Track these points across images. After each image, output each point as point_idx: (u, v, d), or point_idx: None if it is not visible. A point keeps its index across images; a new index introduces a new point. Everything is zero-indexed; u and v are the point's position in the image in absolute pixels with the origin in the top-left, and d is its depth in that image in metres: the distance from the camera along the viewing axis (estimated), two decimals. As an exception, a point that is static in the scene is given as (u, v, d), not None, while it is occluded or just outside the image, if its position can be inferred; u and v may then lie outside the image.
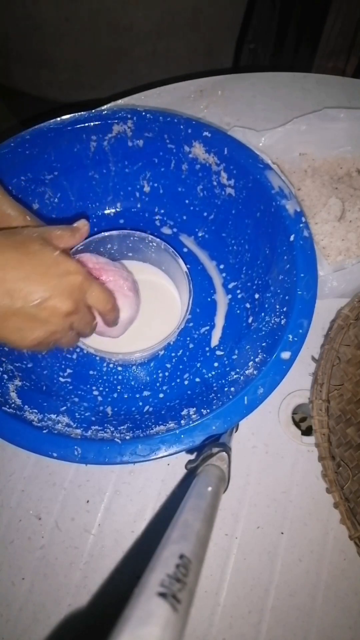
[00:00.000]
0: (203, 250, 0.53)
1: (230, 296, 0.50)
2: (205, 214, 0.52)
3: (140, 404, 0.45)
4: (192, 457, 0.34)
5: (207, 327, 0.49)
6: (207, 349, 0.48)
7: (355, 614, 0.40)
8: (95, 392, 0.46)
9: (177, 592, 0.19)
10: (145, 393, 0.46)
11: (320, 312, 0.49)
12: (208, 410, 0.38)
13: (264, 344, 0.41)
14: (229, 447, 0.33)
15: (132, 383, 0.47)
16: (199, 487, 0.28)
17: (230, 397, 0.38)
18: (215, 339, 0.48)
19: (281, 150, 0.55)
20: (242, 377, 0.41)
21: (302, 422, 0.51)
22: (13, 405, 0.40)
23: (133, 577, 0.41)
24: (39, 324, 0.32)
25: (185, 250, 0.53)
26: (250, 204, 0.47)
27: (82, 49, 0.74)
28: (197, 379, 0.46)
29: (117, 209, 0.55)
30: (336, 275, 0.46)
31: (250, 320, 0.47)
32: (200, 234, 0.53)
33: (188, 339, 0.48)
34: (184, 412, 0.42)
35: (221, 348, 0.48)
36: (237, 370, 0.43)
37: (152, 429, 0.40)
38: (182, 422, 0.39)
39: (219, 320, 0.49)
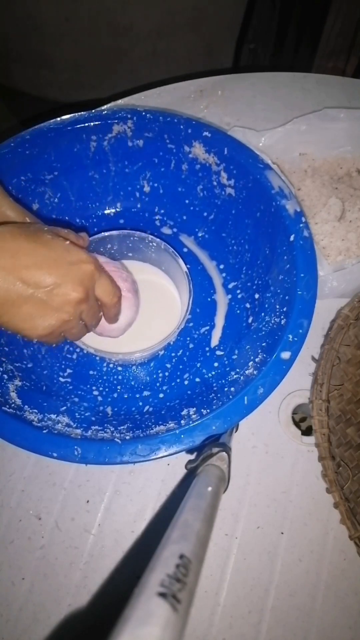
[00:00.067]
0: (203, 250, 0.53)
1: (230, 296, 0.50)
2: (205, 214, 0.52)
3: (140, 404, 0.45)
4: (192, 457, 0.34)
5: (207, 327, 0.49)
6: (207, 349, 0.48)
7: (355, 614, 0.40)
8: (95, 392, 0.46)
9: (177, 592, 0.19)
10: (145, 393, 0.46)
11: (320, 312, 0.49)
12: (208, 410, 0.38)
13: (264, 344, 0.41)
14: (229, 447, 0.33)
15: (132, 383, 0.47)
16: (199, 487, 0.28)
17: (230, 397, 0.38)
18: (215, 339, 0.48)
19: (281, 150, 0.55)
20: (242, 377, 0.41)
21: (302, 422, 0.51)
22: (13, 405, 0.40)
23: (133, 577, 0.41)
24: (51, 311, 0.32)
25: (185, 250, 0.53)
26: (250, 204, 0.47)
27: (82, 49, 0.74)
28: (197, 379, 0.46)
29: (117, 209, 0.55)
30: (336, 275, 0.46)
31: (250, 320, 0.47)
32: (200, 234, 0.53)
33: (188, 339, 0.48)
34: (184, 412, 0.42)
35: (221, 348, 0.48)
36: (237, 370, 0.43)
37: (152, 429, 0.40)
38: (182, 422, 0.39)
39: (219, 320, 0.49)
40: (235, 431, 0.40)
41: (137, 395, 0.46)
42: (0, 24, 0.72)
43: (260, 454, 0.45)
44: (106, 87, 0.78)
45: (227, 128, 0.58)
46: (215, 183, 0.49)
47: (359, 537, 0.40)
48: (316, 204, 0.52)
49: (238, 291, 0.50)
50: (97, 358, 0.47)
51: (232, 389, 0.41)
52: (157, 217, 0.54)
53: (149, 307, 0.47)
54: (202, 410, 0.40)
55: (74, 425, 0.41)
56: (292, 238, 0.42)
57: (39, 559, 0.42)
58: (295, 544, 0.42)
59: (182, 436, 0.36)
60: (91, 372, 0.47)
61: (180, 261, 0.45)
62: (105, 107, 0.58)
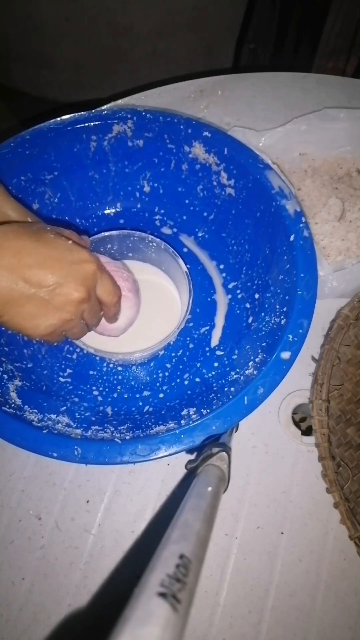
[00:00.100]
0: (203, 250, 0.53)
1: (230, 296, 0.50)
2: (205, 214, 0.52)
3: (140, 404, 0.45)
4: (192, 457, 0.34)
5: (207, 327, 0.49)
6: (207, 349, 0.48)
7: (355, 614, 0.40)
8: (95, 392, 0.46)
9: (177, 592, 0.19)
10: (145, 393, 0.46)
11: (320, 312, 0.49)
12: (208, 410, 0.38)
13: (264, 344, 0.41)
14: (229, 447, 0.33)
15: (132, 383, 0.47)
16: (199, 487, 0.28)
17: (230, 397, 0.38)
18: (215, 339, 0.48)
19: (281, 150, 0.55)
20: (242, 377, 0.41)
21: (302, 422, 0.51)
22: (13, 405, 0.40)
23: (133, 577, 0.41)
24: (53, 310, 0.32)
25: (185, 250, 0.53)
26: (250, 204, 0.47)
27: (82, 49, 0.74)
28: (197, 379, 0.46)
29: (117, 209, 0.55)
30: (336, 275, 0.46)
31: (250, 320, 0.47)
32: (200, 234, 0.53)
33: (188, 339, 0.48)
34: (184, 412, 0.42)
35: (221, 348, 0.48)
36: (237, 370, 0.43)
37: (152, 429, 0.40)
38: (182, 422, 0.39)
39: (219, 320, 0.49)
40: (235, 431, 0.40)
41: (137, 395, 0.46)
42: (0, 24, 0.72)
43: (260, 454, 0.45)
44: (106, 87, 0.78)
45: (227, 128, 0.58)
46: (215, 183, 0.49)
47: (359, 537, 0.40)
48: (316, 204, 0.52)
49: (238, 291, 0.50)
50: (97, 358, 0.48)
51: (232, 389, 0.41)
52: (157, 217, 0.54)
53: (149, 307, 0.47)
54: (202, 410, 0.40)
55: (74, 425, 0.41)
56: (292, 238, 0.42)
57: (39, 559, 0.42)
58: (295, 544, 0.42)
59: (182, 436, 0.36)
60: (91, 372, 0.47)
61: (180, 261, 0.45)
62: (105, 107, 0.58)
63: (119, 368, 0.48)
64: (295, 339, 0.38)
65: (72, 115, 0.47)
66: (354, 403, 0.45)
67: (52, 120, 0.46)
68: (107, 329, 0.42)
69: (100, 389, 0.46)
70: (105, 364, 0.48)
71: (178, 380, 0.46)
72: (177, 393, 0.46)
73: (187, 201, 0.53)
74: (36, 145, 0.46)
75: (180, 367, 0.47)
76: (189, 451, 0.40)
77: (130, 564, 0.42)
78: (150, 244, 0.47)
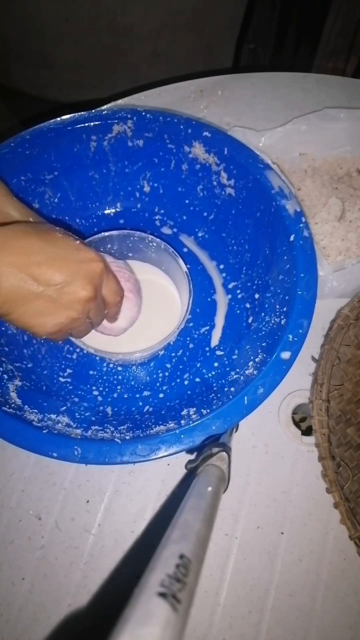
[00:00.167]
0: (203, 250, 0.53)
1: (230, 296, 0.50)
2: (205, 214, 0.52)
3: (140, 404, 0.45)
4: (192, 457, 0.34)
5: (207, 327, 0.49)
6: (207, 349, 0.48)
7: (355, 614, 0.40)
8: (95, 392, 0.46)
9: (177, 592, 0.19)
10: (145, 393, 0.46)
11: (320, 312, 0.49)
12: (208, 410, 0.38)
13: (264, 344, 0.41)
14: (229, 447, 0.33)
15: (132, 383, 0.47)
16: (199, 487, 0.28)
17: (230, 397, 0.38)
18: (215, 339, 0.48)
19: (281, 150, 0.55)
20: (242, 377, 0.41)
21: (302, 422, 0.51)
22: (13, 405, 0.40)
23: (133, 577, 0.41)
24: (61, 309, 0.32)
25: (185, 250, 0.53)
26: (250, 204, 0.47)
27: (82, 49, 0.74)
28: (197, 379, 0.46)
29: (117, 209, 0.55)
30: (336, 275, 0.46)
31: (250, 320, 0.47)
32: (200, 234, 0.53)
33: (188, 339, 0.48)
34: (184, 412, 0.42)
35: (221, 348, 0.48)
36: (237, 370, 0.43)
37: (152, 429, 0.40)
38: (182, 422, 0.39)
39: (219, 320, 0.49)
40: (235, 431, 0.40)
41: (137, 395, 0.46)
42: (0, 24, 0.72)
43: (260, 454, 0.45)
44: (106, 87, 0.78)
45: (227, 128, 0.58)
46: (215, 183, 0.49)
47: (359, 537, 0.40)
48: (316, 204, 0.52)
49: (238, 291, 0.50)
50: (97, 358, 0.48)
51: (232, 389, 0.41)
52: (157, 217, 0.54)
53: (149, 307, 0.47)
54: (202, 410, 0.40)
55: (74, 425, 0.41)
56: (292, 238, 0.42)
57: (39, 559, 0.42)
58: (295, 544, 0.42)
59: (182, 436, 0.36)
60: (91, 372, 0.47)
61: (180, 261, 0.45)
62: (105, 107, 0.58)
63: (119, 368, 0.48)
64: (295, 339, 0.38)
65: (72, 115, 0.47)
66: (354, 403, 0.45)
67: (52, 120, 0.46)
68: (107, 328, 0.43)
69: (100, 389, 0.46)
70: (105, 364, 0.48)
71: (178, 380, 0.46)
72: (177, 393, 0.46)
73: (187, 201, 0.53)
74: (36, 145, 0.46)
75: (180, 367, 0.47)
76: (189, 451, 0.40)
77: (130, 564, 0.42)
78: (150, 244, 0.47)
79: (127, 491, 0.44)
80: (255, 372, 0.39)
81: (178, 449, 0.36)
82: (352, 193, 0.53)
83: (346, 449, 0.43)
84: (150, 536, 0.43)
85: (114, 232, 0.46)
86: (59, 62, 0.76)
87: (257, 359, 0.41)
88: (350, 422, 0.44)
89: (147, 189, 0.53)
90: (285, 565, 0.42)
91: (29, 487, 0.45)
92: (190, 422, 0.37)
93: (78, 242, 0.34)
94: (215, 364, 0.47)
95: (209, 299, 0.50)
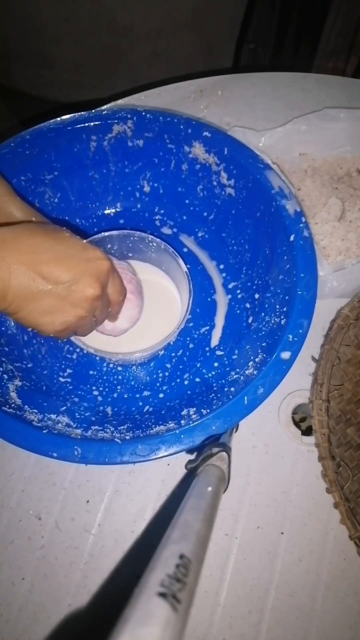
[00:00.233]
0: (203, 250, 0.53)
1: (230, 296, 0.50)
2: (205, 214, 0.52)
3: (140, 404, 0.45)
4: (192, 457, 0.34)
5: (207, 327, 0.49)
6: (207, 349, 0.48)
7: (355, 614, 0.40)
8: (95, 392, 0.46)
9: (177, 592, 0.19)
10: (145, 393, 0.46)
11: (320, 312, 0.49)
12: (208, 410, 0.38)
13: (264, 344, 0.41)
14: (229, 447, 0.33)
15: (132, 383, 0.47)
16: (199, 487, 0.28)
17: (230, 397, 0.38)
18: (215, 339, 0.48)
19: (281, 150, 0.55)
20: (242, 377, 0.41)
21: (302, 422, 0.51)
22: (13, 405, 0.40)
23: (133, 577, 0.41)
24: (69, 307, 0.33)
25: (185, 250, 0.53)
26: (250, 204, 0.47)
27: (82, 49, 0.74)
28: (197, 379, 0.46)
29: (117, 209, 0.55)
30: (336, 275, 0.46)
31: (250, 320, 0.47)
32: (200, 234, 0.53)
33: (188, 339, 0.48)
34: (184, 412, 0.42)
35: (221, 348, 0.48)
36: (237, 370, 0.43)
37: (152, 429, 0.40)
38: (182, 422, 0.39)
39: (219, 320, 0.49)
40: (235, 431, 0.40)
41: (137, 395, 0.46)
42: (0, 24, 0.72)
43: (260, 454, 0.45)
44: (106, 87, 0.78)
45: (227, 128, 0.58)
46: (215, 183, 0.49)
47: (359, 537, 0.40)
48: (316, 204, 0.52)
49: (238, 291, 0.50)
50: (97, 358, 0.48)
51: (232, 389, 0.41)
52: (157, 217, 0.54)
53: (149, 307, 0.47)
54: (202, 410, 0.40)
55: (74, 425, 0.41)
56: (292, 238, 0.42)
57: (39, 559, 0.42)
58: (295, 544, 0.42)
59: (182, 436, 0.36)
60: (91, 372, 0.47)
61: (180, 261, 0.45)
62: (105, 107, 0.58)
63: (119, 368, 0.48)
64: (295, 339, 0.38)
65: (72, 115, 0.47)
66: (354, 403, 0.45)
67: (52, 120, 0.46)
68: (108, 328, 0.43)
69: (100, 389, 0.46)
70: (105, 364, 0.48)
71: (178, 380, 0.46)
72: (177, 393, 0.46)
73: (187, 201, 0.53)
74: (36, 145, 0.46)
75: (180, 367, 0.47)
76: (189, 451, 0.40)
77: (130, 564, 0.42)
78: (150, 244, 0.47)
79: (127, 491, 0.44)
80: (255, 372, 0.39)
81: (178, 449, 0.36)
82: (352, 193, 0.53)
83: (346, 449, 0.43)
84: (150, 536, 0.43)
85: (114, 232, 0.46)
86: (59, 62, 0.76)
87: (257, 359, 0.41)
88: (350, 422, 0.44)
89: (147, 189, 0.53)
90: (285, 565, 0.42)
91: (29, 487, 0.45)
92: (190, 422, 0.37)
93: (85, 241, 0.34)
94: (215, 364, 0.47)
95: (209, 299, 0.50)
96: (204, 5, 0.71)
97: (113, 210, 0.55)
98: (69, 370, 0.47)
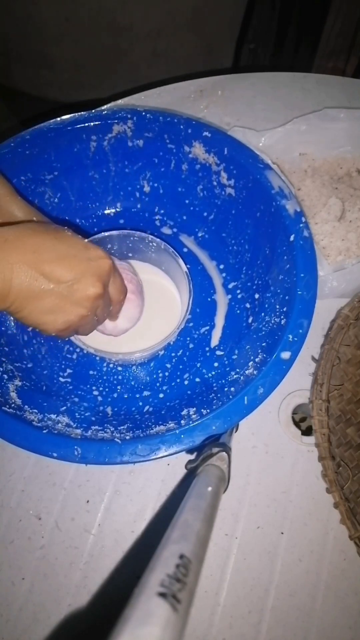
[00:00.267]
0: (203, 250, 0.53)
1: (230, 296, 0.50)
2: (205, 214, 0.52)
3: (140, 404, 0.45)
4: (192, 457, 0.34)
5: (207, 327, 0.49)
6: (207, 349, 0.48)
7: (355, 614, 0.40)
8: (95, 392, 0.46)
9: (177, 592, 0.19)
10: (145, 393, 0.46)
11: (320, 312, 0.49)
12: (208, 410, 0.38)
13: (264, 344, 0.41)
14: (229, 447, 0.33)
15: (132, 383, 0.47)
16: (199, 487, 0.28)
17: (230, 397, 0.38)
18: (215, 339, 0.48)
19: (281, 150, 0.55)
20: (242, 377, 0.41)
21: (302, 422, 0.51)
22: (13, 405, 0.40)
23: (133, 577, 0.41)
24: (71, 306, 0.33)
25: (185, 250, 0.53)
26: (250, 204, 0.47)
27: (82, 49, 0.74)
28: (197, 379, 0.46)
29: (117, 209, 0.55)
30: (336, 275, 0.46)
31: (250, 320, 0.47)
32: (200, 234, 0.53)
33: (188, 339, 0.48)
34: (184, 412, 0.42)
35: (221, 348, 0.48)
36: (237, 370, 0.43)
37: (152, 429, 0.40)
38: (182, 422, 0.39)
39: (219, 320, 0.49)
40: (235, 431, 0.40)
41: (137, 395, 0.46)
42: (0, 24, 0.72)
43: (260, 454, 0.45)
44: (106, 87, 0.78)
45: (227, 128, 0.58)
46: (215, 183, 0.49)
47: (359, 537, 0.40)
48: (316, 204, 0.52)
49: (238, 291, 0.50)
50: (97, 358, 0.47)
51: (232, 389, 0.41)
52: (157, 217, 0.54)
53: (149, 307, 0.47)
54: (202, 410, 0.40)
55: (74, 425, 0.41)
56: (292, 238, 0.42)
57: (39, 559, 0.42)
58: (295, 544, 0.42)
59: (182, 436, 0.36)
60: (91, 372, 0.47)
61: (180, 261, 0.45)
62: (105, 107, 0.58)
63: (119, 368, 0.48)
64: (295, 339, 0.38)
65: (72, 115, 0.47)
66: (354, 403, 0.45)
67: (52, 120, 0.46)
68: (108, 328, 0.43)
69: (100, 389, 0.46)
70: (105, 364, 0.48)
71: (178, 380, 0.46)
72: (177, 393, 0.46)
73: (187, 201, 0.53)
74: (36, 145, 0.46)
75: (180, 367, 0.47)
76: (189, 451, 0.40)
77: (130, 564, 0.42)
78: (150, 244, 0.47)
79: (127, 491, 0.44)
80: (255, 372, 0.39)
81: (178, 449, 0.36)
82: (352, 193, 0.53)
83: (346, 449, 0.43)
84: (150, 536, 0.43)
85: (114, 232, 0.46)
86: (59, 62, 0.76)
87: (257, 359, 0.41)
88: (350, 422, 0.44)
89: (147, 189, 0.53)
90: (285, 565, 0.42)
91: (29, 487, 0.45)
92: (190, 422, 0.37)
93: (86, 241, 0.34)
94: (215, 364, 0.47)
95: (209, 299, 0.50)
96: (204, 5, 0.71)
97: (113, 210, 0.55)
98: (69, 370, 0.47)
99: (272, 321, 0.42)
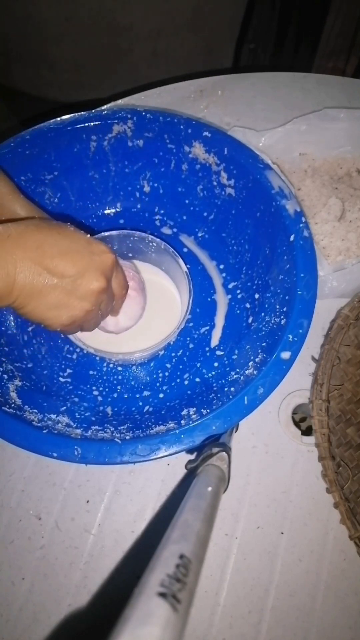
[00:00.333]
0: (203, 250, 0.53)
1: (230, 296, 0.50)
2: (205, 214, 0.52)
3: (140, 404, 0.45)
4: (192, 457, 0.34)
5: (207, 327, 0.49)
6: (207, 349, 0.48)
7: (355, 614, 0.40)
8: (95, 392, 0.46)
9: (177, 592, 0.19)
10: (145, 393, 0.46)
11: (320, 312, 0.49)
12: (208, 410, 0.38)
13: (264, 344, 0.41)
14: (229, 447, 0.33)
15: (132, 383, 0.47)
16: (199, 487, 0.28)
17: (230, 397, 0.38)
18: (215, 339, 0.48)
19: (281, 150, 0.55)
20: (242, 377, 0.41)
21: (302, 422, 0.51)
22: (13, 405, 0.40)
23: (133, 577, 0.41)
24: (76, 301, 0.33)
25: (185, 250, 0.53)
26: (250, 204, 0.47)
27: (82, 49, 0.74)
28: (197, 379, 0.46)
29: (117, 209, 0.55)
30: (336, 275, 0.46)
31: (250, 320, 0.47)
32: (200, 234, 0.53)
33: (188, 339, 0.48)
34: (184, 412, 0.42)
35: (221, 348, 0.48)
36: (237, 370, 0.43)
37: (152, 429, 0.40)
38: (182, 422, 0.39)
39: (219, 320, 0.49)
40: (235, 431, 0.40)
41: (137, 395, 0.46)
42: (0, 24, 0.72)
43: (260, 454, 0.45)
44: (106, 87, 0.78)
45: (227, 128, 0.58)
46: (215, 183, 0.49)
47: (359, 537, 0.40)
48: (316, 204, 0.52)
49: (238, 291, 0.50)
50: (97, 358, 0.47)
51: (232, 389, 0.41)
52: (157, 217, 0.54)
53: (149, 307, 0.47)
54: (202, 410, 0.40)
55: (74, 425, 0.41)
56: (292, 238, 0.42)
57: (39, 559, 0.42)
58: (295, 544, 0.42)
59: (182, 436, 0.36)
60: (91, 372, 0.47)
61: (180, 261, 0.45)
62: (105, 107, 0.58)
63: (119, 368, 0.48)
64: (295, 339, 0.38)
65: (72, 115, 0.47)
66: (354, 403, 0.45)
67: (52, 120, 0.47)
68: (110, 324, 0.43)
69: (100, 389, 0.46)
70: (105, 364, 0.48)
71: (178, 380, 0.46)
72: (177, 393, 0.46)
73: (187, 201, 0.53)
74: (36, 145, 0.46)
75: (180, 367, 0.47)
76: (189, 451, 0.40)
77: (130, 564, 0.42)
78: (150, 244, 0.47)
79: (127, 491, 0.44)
80: (255, 372, 0.39)
81: (178, 449, 0.36)
82: (352, 193, 0.53)
83: (346, 449, 0.43)
84: (150, 536, 0.43)
85: (114, 232, 0.46)
86: (59, 62, 0.76)
87: (257, 359, 0.41)
88: (350, 422, 0.44)
89: (147, 189, 0.53)
90: (285, 565, 0.42)
91: (29, 487, 0.45)
92: (190, 422, 0.37)
93: (89, 236, 0.34)
94: (215, 364, 0.47)
95: (209, 299, 0.50)
96: (204, 5, 0.71)
97: (113, 210, 0.55)
98: (69, 370, 0.47)
99: (272, 321, 0.42)
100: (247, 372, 0.41)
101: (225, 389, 0.42)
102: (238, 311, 0.49)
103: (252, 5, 0.83)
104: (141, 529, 0.43)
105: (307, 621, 0.40)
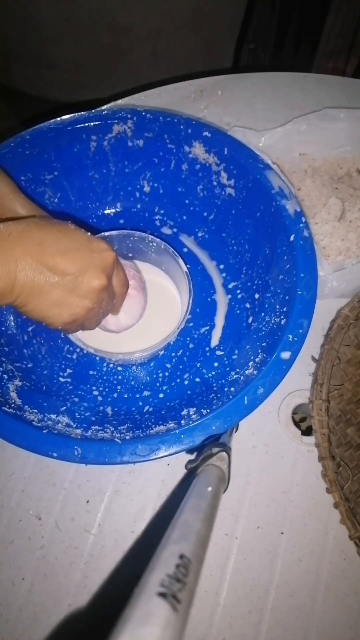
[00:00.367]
0: (203, 250, 0.53)
1: (230, 296, 0.50)
2: (205, 214, 0.52)
3: (140, 404, 0.45)
4: (192, 457, 0.34)
5: (207, 327, 0.49)
6: (207, 349, 0.48)
7: (355, 614, 0.40)
8: (95, 392, 0.46)
9: (177, 592, 0.19)
10: (145, 393, 0.46)
11: (320, 312, 0.49)
12: (208, 410, 0.38)
13: (264, 344, 0.41)
14: (229, 447, 0.33)
15: (132, 383, 0.47)
16: (199, 487, 0.28)
17: (230, 397, 0.38)
18: (215, 339, 0.48)
19: (281, 150, 0.55)
20: (242, 377, 0.41)
21: (302, 422, 0.51)
22: (13, 405, 0.40)
23: (133, 577, 0.41)
24: (77, 299, 0.33)
25: (185, 250, 0.53)
26: (250, 204, 0.47)
27: (82, 49, 0.74)
28: (197, 379, 0.46)
29: (117, 209, 0.55)
30: (336, 275, 0.46)
31: (250, 320, 0.47)
32: (200, 234, 0.53)
33: (188, 339, 0.48)
34: (184, 412, 0.42)
35: (221, 348, 0.48)
36: (237, 370, 0.43)
37: (152, 429, 0.40)
38: (182, 422, 0.39)
39: (219, 320, 0.49)
40: (235, 431, 0.40)
41: (137, 395, 0.46)
42: (0, 24, 0.72)
43: (260, 454, 0.45)
44: (106, 87, 0.78)
45: (227, 128, 0.58)
46: (215, 183, 0.49)
47: (359, 537, 0.40)
48: (316, 204, 0.52)
49: (238, 291, 0.50)
50: (97, 358, 0.47)
51: (232, 389, 0.41)
52: (157, 217, 0.54)
53: (149, 307, 0.47)
54: (202, 410, 0.40)
55: (74, 425, 0.41)
56: (292, 238, 0.42)
57: (39, 559, 0.42)
58: (295, 544, 0.42)
59: (182, 436, 0.36)
60: (91, 372, 0.47)
61: (180, 261, 0.45)
62: (105, 107, 0.58)
63: (119, 368, 0.48)
64: (295, 339, 0.38)
65: (72, 115, 0.47)
66: (354, 403, 0.45)
67: (52, 120, 0.46)
68: (111, 323, 0.43)
69: (100, 389, 0.46)
70: (105, 364, 0.48)
71: (178, 380, 0.46)
72: (177, 393, 0.46)
73: (187, 201, 0.53)
74: (36, 145, 0.46)
75: (180, 367, 0.47)
76: (189, 451, 0.40)
77: (130, 564, 0.42)
78: (150, 244, 0.47)
79: (127, 491, 0.44)
80: (255, 372, 0.39)
81: (178, 449, 0.36)
82: (352, 193, 0.53)
83: (346, 449, 0.43)
84: (150, 536, 0.43)
85: (114, 232, 0.46)
86: (59, 62, 0.76)
87: (257, 359, 0.41)
88: (350, 422, 0.44)
89: (147, 189, 0.53)
90: (285, 565, 0.42)
91: (29, 487, 0.45)
92: (190, 422, 0.37)
93: (89, 234, 0.34)
94: (215, 364, 0.47)
95: (209, 299, 0.50)
96: (204, 5, 0.71)
97: (113, 210, 0.55)
98: (69, 370, 0.47)
99: (272, 321, 0.42)
100: (247, 372, 0.41)
101: (225, 389, 0.42)
102: (238, 311, 0.49)
103: (252, 5, 0.83)
104: (141, 529, 0.43)
105: (307, 621, 0.40)
